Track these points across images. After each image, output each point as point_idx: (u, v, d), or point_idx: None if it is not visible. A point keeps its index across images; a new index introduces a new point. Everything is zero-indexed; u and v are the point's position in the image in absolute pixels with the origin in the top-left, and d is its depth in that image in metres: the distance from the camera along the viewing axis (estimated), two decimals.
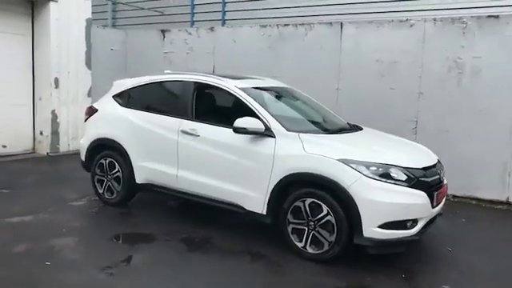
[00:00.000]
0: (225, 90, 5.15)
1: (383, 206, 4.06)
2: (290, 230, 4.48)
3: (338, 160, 4.21)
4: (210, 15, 11.05)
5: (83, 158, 6.14)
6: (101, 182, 5.94)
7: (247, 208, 4.74)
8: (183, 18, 11.58)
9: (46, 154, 8.97)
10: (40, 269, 3.98)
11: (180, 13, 11.66)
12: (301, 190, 4.39)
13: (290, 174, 4.41)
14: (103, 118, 5.96)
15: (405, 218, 4.14)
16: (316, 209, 4.30)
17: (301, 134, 4.55)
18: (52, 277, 3.86)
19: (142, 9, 11.95)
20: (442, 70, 6.99)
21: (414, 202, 4.17)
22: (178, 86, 5.49)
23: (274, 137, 4.58)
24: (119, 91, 5.95)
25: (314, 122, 5.24)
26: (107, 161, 5.84)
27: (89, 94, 9.47)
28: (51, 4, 8.65)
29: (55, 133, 9.05)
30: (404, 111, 7.28)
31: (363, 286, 3.93)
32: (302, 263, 4.31)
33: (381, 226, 4.07)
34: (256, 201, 4.66)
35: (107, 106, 5.98)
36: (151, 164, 5.44)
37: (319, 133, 4.86)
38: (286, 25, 8.35)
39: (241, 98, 4.96)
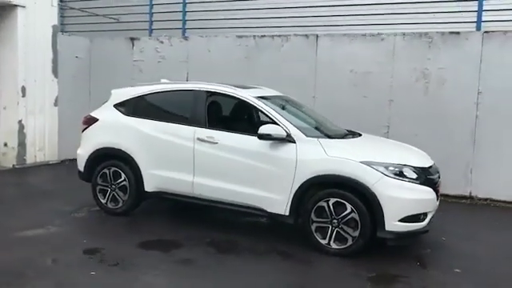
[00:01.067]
0: (239, 99, 5.41)
1: (403, 202, 4.56)
2: (313, 228, 4.83)
3: (361, 162, 4.65)
4: (168, 24, 11.12)
5: (82, 168, 6.04)
6: (103, 191, 5.89)
7: (269, 210, 5.03)
8: (140, 25, 11.50)
9: (11, 166, 8.55)
10: (87, 278, 3.98)
11: (139, 20, 11.56)
12: (324, 190, 4.76)
13: (314, 177, 4.77)
14: (106, 128, 5.93)
15: (419, 212, 4.67)
16: (340, 207, 4.69)
17: (320, 139, 4.93)
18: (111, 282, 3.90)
19: (97, 15, 11.69)
20: (411, 80, 7.74)
21: (425, 198, 4.72)
22: (189, 95, 5.63)
23: (295, 142, 4.92)
24: (121, 100, 5.96)
25: (320, 128, 5.63)
26: (111, 170, 5.81)
27: (55, 103, 9.19)
28: (19, 10, 8.32)
29: (22, 144, 8.66)
30: (377, 117, 7.93)
31: (392, 275, 4.37)
32: (328, 258, 4.68)
33: (400, 220, 4.56)
34: (278, 203, 4.96)
35: (109, 115, 5.95)
36: (163, 172, 5.53)
37: (331, 138, 5.25)
38: (262, 36, 8.73)
39: (258, 106, 5.26)
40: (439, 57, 7.56)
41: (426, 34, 7.66)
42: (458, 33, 7.51)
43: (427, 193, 4.73)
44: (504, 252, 5.12)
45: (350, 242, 4.69)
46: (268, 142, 4.99)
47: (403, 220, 4.57)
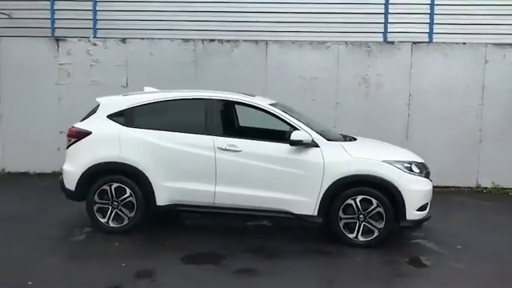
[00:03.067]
0: (255, 107, 5.52)
1: (419, 194, 5.25)
2: (341, 225, 5.24)
3: (383, 161, 5.21)
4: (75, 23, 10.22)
5: (72, 186, 5.46)
6: (102, 210, 5.43)
7: (296, 212, 5.28)
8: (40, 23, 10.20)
9: None
10: None
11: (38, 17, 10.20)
12: (351, 189, 5.20)
13: (343, 177, 5.18)
14: (103, 141, 5.45)
15: (427, 201, 5.42)
16: (366, 203, 5.19)
17: (341, 142, 5.36)
18: None
19: None
20: (354, 85, 8.64)
21: (429, 188, 5.48)
22: (199, 104, 5.52)
23: (318, 146, 5.25)
24: (117, 110, 5.55)
25: (328, 132, 5.85)
26: (113, 186, 5.39)
27: None
28: None
29: None
30: (325, 119, 8.49)
31: (419, 258, 5.02)
32: (360, 250, 5.13)
33: (417, 210, 5.24)
34: (307, 205, 5.24)
35: (104, 127, 5.49)
36: (179, 183, 5.34)
37: (343, 141, 5.67)
38: (211, 40, 8.74)
39: (276, 113, 5.45)
40: (377, 64, 8.59)
41: (366, 43, 8.62)
42: (392, 43, 8.63)
43: (429, 184, 5.50)
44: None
45: (376, 234, 5.21)
46: (293, 148, 5.23)
47: (418, 209, 5.27)
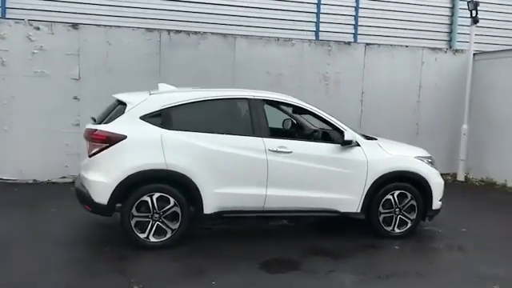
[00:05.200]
0: (296, 106, 5.47)
1: (441, 185, 5.80)
2: (381, 219, 5.53)
3: (415, 157, 5.65)
4: None
5: (104, 199, 4.71)
6: (141, 224, 4.81)
7: (342, 211, 5.41)
8: None
9: None
10: None
11: None
12: (391, 185, 5.51)
13: (384, 174, 5.45)
14: (141, 146, 4.81)
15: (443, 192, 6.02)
16: (402, 197, 5.56)
17: (376, 141, 5.63)
18: None
19: None
20: (315, 81, 8.99)
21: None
22: (242, 104, 5.23)
23: (360, 145, 5.45)
24: (152, 111, 4.93)
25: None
26: (155, 196, 4.80)
27: None
28: None
29: None
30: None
31: (450, 243, 5.61)
32: (395, 241, 5.48)
33: (439, 200, 5.81)
34: (352, 202, 5.41)
35: (141, 130, 4.84)
36: (229, 189, 5.01)
37: (369, 139, 5.91)
38: (177, 31, 8.16)
39: (318, 113, 5.48)
40: (336, 62, 9.08)
41: (327, 42, 9.02)
42: (349, 43, 9.20)
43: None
44: None
45: (409, 225, 5.63)
46: (340, 147, 5.33)
47: (439, 200, 5.84)
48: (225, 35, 8.43)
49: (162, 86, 5.49)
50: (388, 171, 5.48)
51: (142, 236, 4.82)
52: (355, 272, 4.53)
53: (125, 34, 7.94)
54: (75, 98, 7.74)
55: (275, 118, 6.06)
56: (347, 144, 5.30)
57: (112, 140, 4.74)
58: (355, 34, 10.86)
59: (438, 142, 9.66)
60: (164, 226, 4.87)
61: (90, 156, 4.83)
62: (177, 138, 4.88)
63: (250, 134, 5.13)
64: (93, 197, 4.73)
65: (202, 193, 4.91)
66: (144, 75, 7.90)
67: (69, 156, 7.56)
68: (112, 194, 4.70)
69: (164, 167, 4.80)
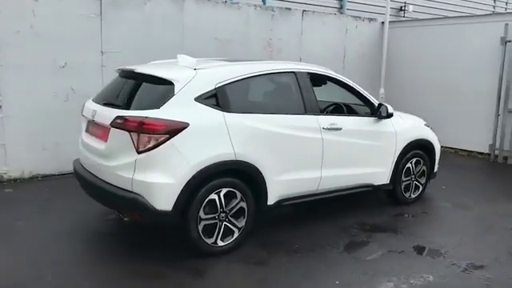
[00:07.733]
0: (335, 79, 5.13)
1: (439, 150, 6.16)
2: (402, 187, 5.68)
3: (425, 125, 5.88)
4: None
5: (169, 205, 3.74)
6: (208, 228, 4.00)
7: (376, 184, 5.37)
8: None
9: None
10: None
11: None
12: (410, 153, 5.63)
13: (407, 144, 5.54)
14: (206, 134, 3.91)
15: None
16: (417, 164, 5.77)
17: (396, 112, 5.66)
18: None
19: None
20: (260, 48, 8.54)
21: None
22: (290, 78, 4.62)
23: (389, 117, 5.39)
24: (207, 90, 4.02)
25: None
26: (222, 193, 4.02)
27: None
28: None
29: None
30: None
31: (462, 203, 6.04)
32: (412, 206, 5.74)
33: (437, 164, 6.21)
34: (383, 174, 5.41)
35: (201, 114, 3.92)
36: (290, 175, 4.48)
37: None
38: None
39: (353, 86, 5.20)
40: (278, 28, 8.73)
41: (271, 7, 8.58)
42: (289, 9, 8.91)
43: None
44: None
45: (420, 189, 5.90)
46: (374, 120, 5.21)
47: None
48: None
49: (180, 57, 4.52)
50: (410, 140, 5.59)
51: (210, 241, 4.01)
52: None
53: None
54: None
55: None
56: (390, 117, 5.19)
57: (171, 130, 3.72)
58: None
59: None
60: (231, 226, 4.12)
61: (140, 152, 3.71)
62: (240, 122, 4.09)
63: (303, 111, 4.62)
64: (155, 204, 3.69)
65: (267, 181, 4.28)
66: (81, 38, 6.45)
67: None
68: (178, 197, 3.75)
69: (233, 158, 4.00)
